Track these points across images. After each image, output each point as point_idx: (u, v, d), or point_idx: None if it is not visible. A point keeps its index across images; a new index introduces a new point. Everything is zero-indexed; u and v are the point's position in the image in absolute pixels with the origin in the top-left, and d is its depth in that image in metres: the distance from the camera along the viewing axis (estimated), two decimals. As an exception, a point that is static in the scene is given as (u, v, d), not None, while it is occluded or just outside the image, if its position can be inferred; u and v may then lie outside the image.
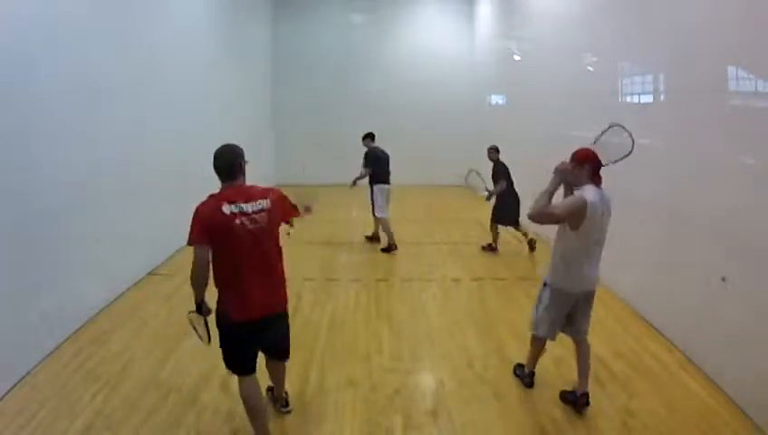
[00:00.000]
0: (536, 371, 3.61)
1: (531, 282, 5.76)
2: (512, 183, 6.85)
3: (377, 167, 6.95)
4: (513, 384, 3.65)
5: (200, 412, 3.28)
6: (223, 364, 2.92)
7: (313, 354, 4.05)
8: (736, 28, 3.58)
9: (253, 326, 2.78)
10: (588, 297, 3.29)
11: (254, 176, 3.08)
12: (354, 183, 7.17)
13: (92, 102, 4.66)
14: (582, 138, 6.04)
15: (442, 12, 12.77)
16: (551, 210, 2.97)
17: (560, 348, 3.73)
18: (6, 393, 3.40)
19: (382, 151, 7.09)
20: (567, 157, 3.15)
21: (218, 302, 2.79)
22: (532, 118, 8.18)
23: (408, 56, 12.61)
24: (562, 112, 6.95)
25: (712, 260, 3.75)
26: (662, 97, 4.70)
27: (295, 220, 3.08)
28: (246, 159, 2.83)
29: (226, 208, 2.62)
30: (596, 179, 3.05)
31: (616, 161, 3.12)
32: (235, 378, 2.94)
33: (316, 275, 5.93)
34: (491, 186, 6.83)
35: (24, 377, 3.59)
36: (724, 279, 3.56)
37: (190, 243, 2.64)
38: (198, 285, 2.71)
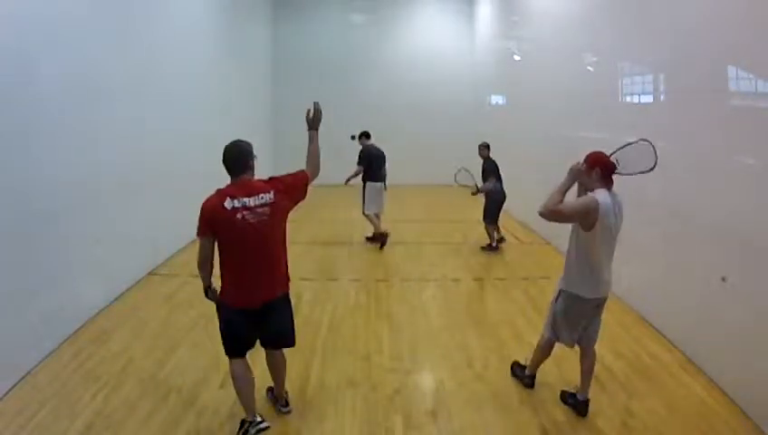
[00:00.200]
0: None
1: (531, 282, 5.77)
2: (500, 181, 6.92)
3: (371, 165, 6.99)
4: (512, 384, 3.65)
5: (200, 412, 3.28)
6: (223, 364, 3.05)
7: (313, 354, 4.05)
8: (736, 28, 3.58)
9: (253, 314, 2.92)
10: (601, 304, 3.24)
11: (255, 176, 3.08)
12: (347, 181, 7.19)
13: (92, 102, 4.66)
14: (582, 138, 6.10)
15: (442, 12, 12.78)
16: (559, 209, 2.96)
17: (560, 348, 3.72)
18: (6, 393, 3.40)
19: (377, 150, 7.15)
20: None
21: (221, 288, 2.95)
22: (532, 118, 8.18)
23: (407, 56, 12.62)
24: (562, 112, 6.95)
25: (712, 260, 3.75)
26: (662, 97, 4.70)
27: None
28: (255, 154, 2.96)
29: (228, 203, 2.75)
30: (608, 183, 3.03)
31: (632, 174, 3.05)
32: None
33: (316, 275, 5.93)
34: (481, 183, 6.91)
35: (24, 377, 3.59)
36: (724, 279, 3.55)
37: (197, 234, 2.84)
38: (203, 272, 2.88)
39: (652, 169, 3.03)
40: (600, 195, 2.95)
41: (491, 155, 7.02)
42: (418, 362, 4.02)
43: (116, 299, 5.07)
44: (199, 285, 2.96)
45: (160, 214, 5.94)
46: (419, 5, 12.77)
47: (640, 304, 4.83)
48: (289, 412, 3.27)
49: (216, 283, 2.96)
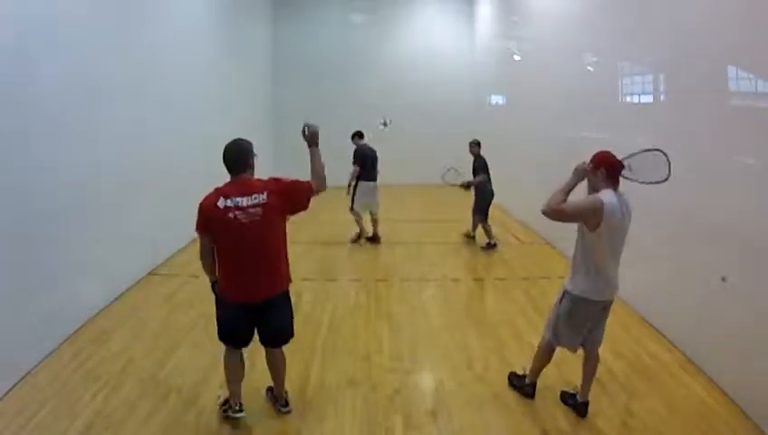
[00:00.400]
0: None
1: (531, 282, 5.77)
2: (489, 178, 7.00)
3: (364, 164, 7.08)
4: (512, 384, 3.65)
5: (200, 412, 3.28)
6: (223, 365, 3.10)
7: (313, 354, 4.05)
8: (736, 28, 3.58)
9: (253, 310, 2.97)
10: (608, 307, 3.20)
11: (255, 176, 3.09)
12: (349, 187, 7.23)
13: (92, 102, 4.66)
14: (583, 138, 6.10)
15: (442, 12, 12.78)
16: (562, 208, 2.93)
17: (562, 348, 3.72)
18: (6, 393, 3.40)
19: (370, 149, 7.23)
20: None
21: (220, 285, 3.00)
22: (532, 118, 8.18)
23: (408, 56, 12.62)
24: (562, 112, 6.95)
25: (712, 260, 3.75)
26: (662, 97, 4.70)
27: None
28: (255, 153, 2.99)
29: (221, 203, 2.80)
30: (614, 183, 2.99)
31: (644, 182, 3.01)
32: None
33: (316, 275, 5.93)
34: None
35: (24, 377, 3.59)
36: (724, 279, 3.55)
37: (195, 229, 2.92)
38: (206, 268, 2.98)
39: (665, 180, 2.99)
40: (606, 195, 2.93)
41: (481, 152, 7.11)
42: (418, 362, 4.02)
43: (116, 299, 5.06)
44: (199, 284, 2.98)
45: (160, 214, 5.94)
46: (419, 5, 12.77)
47: (640, 303, 4.83)
48: (289, 412, 3.27)
49: None
